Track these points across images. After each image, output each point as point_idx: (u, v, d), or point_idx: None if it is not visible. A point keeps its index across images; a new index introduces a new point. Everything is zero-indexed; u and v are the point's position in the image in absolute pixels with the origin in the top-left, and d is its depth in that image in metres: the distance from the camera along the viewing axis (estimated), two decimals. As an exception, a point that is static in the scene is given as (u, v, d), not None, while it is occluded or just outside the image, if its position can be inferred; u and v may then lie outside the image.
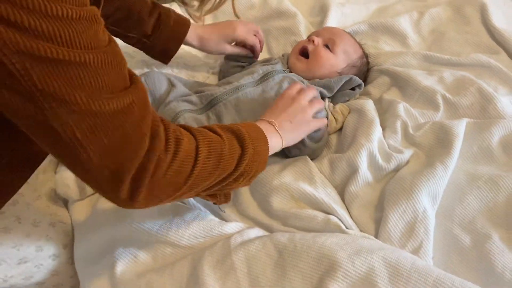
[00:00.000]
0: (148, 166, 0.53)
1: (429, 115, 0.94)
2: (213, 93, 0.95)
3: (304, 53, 1.04)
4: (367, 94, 1.06)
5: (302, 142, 0.87)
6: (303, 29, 1.20)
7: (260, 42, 1.08)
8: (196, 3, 0.70)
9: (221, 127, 0.68)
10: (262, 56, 1.18)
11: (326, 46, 1.04)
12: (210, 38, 1.03)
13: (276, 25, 1.24)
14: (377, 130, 0.88)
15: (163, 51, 0.99)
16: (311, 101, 0.86)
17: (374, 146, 0.85)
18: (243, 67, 1.09)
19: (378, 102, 1.01)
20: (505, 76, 1.01)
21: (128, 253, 0.77)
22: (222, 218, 0.83)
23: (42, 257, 0.83)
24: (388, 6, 1.29)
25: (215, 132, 0.65)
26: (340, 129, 0.97)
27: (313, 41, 1.03)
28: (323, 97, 0.99)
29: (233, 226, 0.79)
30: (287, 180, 0.84)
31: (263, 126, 0.75)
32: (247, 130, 0.69)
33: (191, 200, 0.84)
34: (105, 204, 0.82)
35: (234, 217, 0.83)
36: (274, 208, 0.81)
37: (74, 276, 0.87)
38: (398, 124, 0.90)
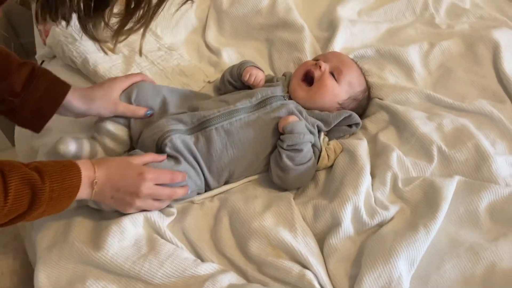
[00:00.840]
0: None
1: (422, 167, 0.92)
2: (206, 115, 0.92)
3: (308, 77, 1.00)
4: (363, 129, 1.03)
5: (279, 163, 0.88)
6: (308, 46, 1.15)
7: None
8: (108, 35, 0.62)
9: (21, 176, 0.64)
10: (263, 66, 1.14)
11: (332, 73, 1.00)
12: (96, 96, 0.88)
13: (281, 37, 1.19)
14: (366, 180, 0.86)
15: (34, 113, 0.82)
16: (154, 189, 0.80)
17: (360, 200, 0.83)
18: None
19: (373, 141, 0.99)
20: (506, 129, 0.98)
21: (99, 286, 0.76)
22: (198, 255, 0.82)
23: None
24: (400, 28, 1.23)
25: (4, 187, 0.62)
26: (330, 166, 0.95)
27: (320, 67, 0.99)
28: (319, 130, 0.97)
29: (207, 268, 0.79)
30: (268, 224, 0.83)
31: (84, 177, 0.73)
32: (53, 188, 0.67)
33: (168, 233, 0.83)
34: (81, 233, 0.81)
35: (210, 254, 0.82)
36: (251, 251, 0.80)
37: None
38: (389, 176, 0.88)
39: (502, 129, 0.98)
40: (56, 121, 0.95)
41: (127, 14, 0.59)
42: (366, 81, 1.06)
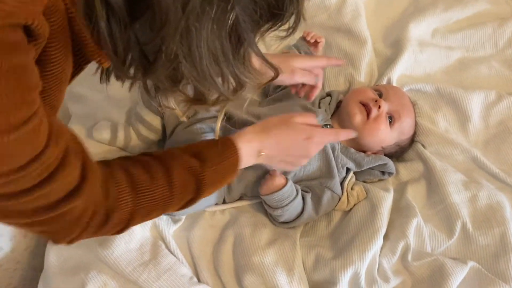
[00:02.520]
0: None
1: (440, 240, 0.89)
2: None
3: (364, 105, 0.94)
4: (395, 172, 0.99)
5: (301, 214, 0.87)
6: (365, 65, 1.06)
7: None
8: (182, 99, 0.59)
9: (184, 166, 0.67)
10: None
11: (389, 116, 0.94)
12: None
13: (340, 44, 1.10)
14: (376, 245, 0.84)
15: None
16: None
17: (363, 266, 0.82)
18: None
19: (400, 191, 0.95)
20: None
21: (100, 279, 0.81)
22: (195, 271, 0.86)
23: None
24: (473, 61, 1.11)
25: (169, 181, 0.64)
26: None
27: (379, 107, 0.92)
28: (348, 169, 0.93)
29: (200, 289, 0.82)
30: (267, 262, 0.84)
31: (246, 153, 0.73)
32: (212, 171, 0.69)
33: (172, 243, 0.86)
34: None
35: (207, 274, 0.85)
36: (245, 284, 0.83)
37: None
38: (400, 245, 0.86)
39: (541, 217, 0.92)
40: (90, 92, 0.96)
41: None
42: (415, 127, 0.99)
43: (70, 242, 0.60)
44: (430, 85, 1.05)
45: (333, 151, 0.91)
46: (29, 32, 0.42)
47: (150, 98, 0.59)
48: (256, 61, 0.54)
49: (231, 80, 0.51)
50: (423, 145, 1.00)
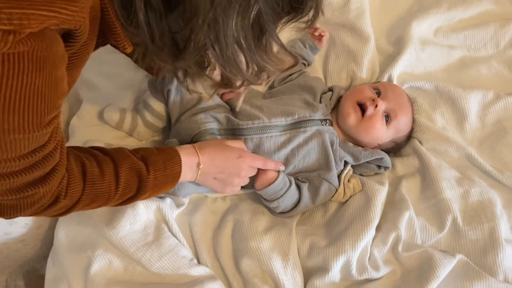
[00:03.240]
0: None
1: (430, 233, 0.92)
2: (240, 124, 0.93)
3: (360, 105, 0.98)
4: (391, 167, 1.02)
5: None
6: (367, 62, 1.09)
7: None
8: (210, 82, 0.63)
9: (132, 167, 0.71)
10: (317, 62, 1.11)
11: (386, 115, 0.97)
12: None
13: (343, 40, 1.13)
14: (368, 236, 0.88)
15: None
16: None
17: (355, 255, 0.86)
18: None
19: (394, 185, 0.99)
20: (534, 216, 0.95)
21: (106, 257, 0.86)
22: (196, 253, 0.90)
23: None
24: (474, 61, 1.13)
25: (116, 175, 0.69)
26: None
27: (376, 106, 0.95)
28: (346, 162, 0.97)
29: (199, 271, 0.87)
30: (264, 248, 0.88)
31: (187, 165, 0.79)
32: (156, 176, 0.74)
33: (175, 226, 0.90)
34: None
35: (206, 256, 0.90)
36: (242, 267, 0.87)
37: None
38: (392, 237, 0.89)
39: (531, 214, 0.95)
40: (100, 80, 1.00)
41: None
42: (413, 125, 1.02)
43: (13, 218, 0.63)
44: (429, 83, 1.07)
45: (332, 145, 0.95)
46: (72, 34, 0.48)
47: (179, 82, 0.63)
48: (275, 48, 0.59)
49: (254, 66, 0.55)
50: (420, 141, 1.03)
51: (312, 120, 0.95)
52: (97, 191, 0.69)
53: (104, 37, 0.58)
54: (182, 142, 0.92)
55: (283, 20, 0.55)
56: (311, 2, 0.53)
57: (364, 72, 1.09)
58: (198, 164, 0.82)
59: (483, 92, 1.06)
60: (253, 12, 0.50)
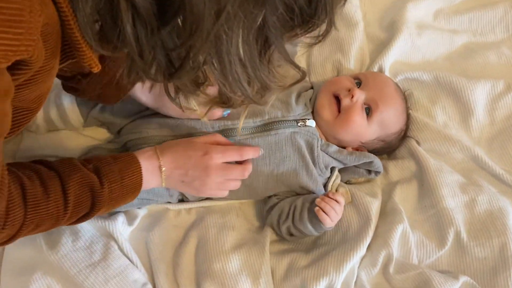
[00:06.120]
0: None
1: (428, 251, 0.79)
2: (195, 128, 0.80)
3: (336, 97, 0.84)
4: (384, 171, 0.88)
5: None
6: (355, 50, 0.95)
7: None
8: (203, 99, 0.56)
9: (82, 182, 0.64)
10: (298, 56, 0.98)
11: (366, 107, 0.83)
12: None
13: (329, 27, 0.98)
14: (356, 257, 0.75)
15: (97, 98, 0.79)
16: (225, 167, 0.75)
17: (339, 279, 0.73)
18: None
19: (387, 193, 0.86)
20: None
21: (44, 282, 0.74)
22: (151, 275, 0.78)
23: None
24: (481, 47, 0.99)
25: (63, 193, 0.62)
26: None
27: (352, 96, 0.81)
28: (332, 168, 0.84)
29: (152, 299, 0.74)
30: (230, 270, 0.76)
31: (147, 170, 0.71)
32: (112, 189, 0.66)
33: (126, 245, 0.78)
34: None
35: (164, 279, 0.77)
36: (203, 293, 0.75)
37: None
38: (381, 257, 0.76)
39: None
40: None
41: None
42: (407, 120, 0.88)
43: None
44: (428, 74, 0.93)
45: (312, 149, 0.81)
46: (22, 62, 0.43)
47: (170, 99, 0.56)
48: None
49: (257, 83, 0.51)
50: (417, 141, 0.89)
51: (285, 121, 0.81)
52: (42, 214, 0.61)
53: (71, 51, 0.51)
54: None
55: (292, 33, 0.49)
56: (324, 15, 0.46)
57: (352, 63, 0.95)
58: (160, 167, 0.73)
59: (491, 82, 0.92)
60: (259, 26, 0.45)
